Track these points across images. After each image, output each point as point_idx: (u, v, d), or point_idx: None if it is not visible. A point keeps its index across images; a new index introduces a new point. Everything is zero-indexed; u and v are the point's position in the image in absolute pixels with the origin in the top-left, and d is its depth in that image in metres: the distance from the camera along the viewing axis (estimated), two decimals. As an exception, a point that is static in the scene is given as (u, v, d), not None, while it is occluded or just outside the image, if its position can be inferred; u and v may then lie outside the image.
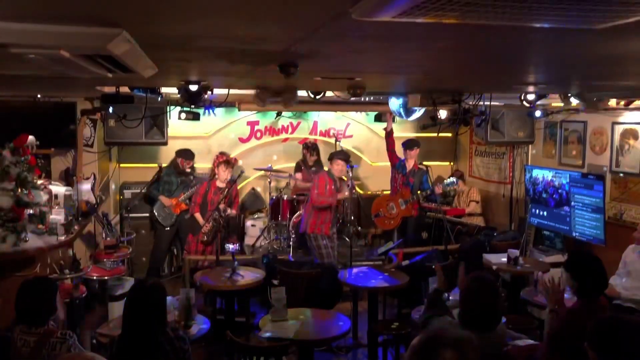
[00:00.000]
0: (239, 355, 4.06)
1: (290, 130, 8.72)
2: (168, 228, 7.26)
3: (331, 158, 6.64)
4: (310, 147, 8.09)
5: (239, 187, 8.17)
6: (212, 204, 6.83)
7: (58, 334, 3.12)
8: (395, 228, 7.44)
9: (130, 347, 3.01)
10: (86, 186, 5.96)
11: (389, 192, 7.76)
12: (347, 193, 6.57)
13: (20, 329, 3.11)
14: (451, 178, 7.53)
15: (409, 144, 7.46)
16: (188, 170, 7.37)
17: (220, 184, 6.92)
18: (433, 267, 5.34)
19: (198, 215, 6.88)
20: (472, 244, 6.86)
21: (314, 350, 4.45)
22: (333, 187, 6.47)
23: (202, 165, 7.86)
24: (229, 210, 6.77)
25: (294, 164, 8.32)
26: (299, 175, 8.03)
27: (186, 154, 7.35)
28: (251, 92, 5.48)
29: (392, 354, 5.04)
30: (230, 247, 5.51)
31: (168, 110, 6.67)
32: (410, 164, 7.42)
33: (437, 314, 3.09)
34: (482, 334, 2.67)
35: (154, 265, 7.36)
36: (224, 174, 6.86)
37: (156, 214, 7.20)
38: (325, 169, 6.85)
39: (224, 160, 6.97)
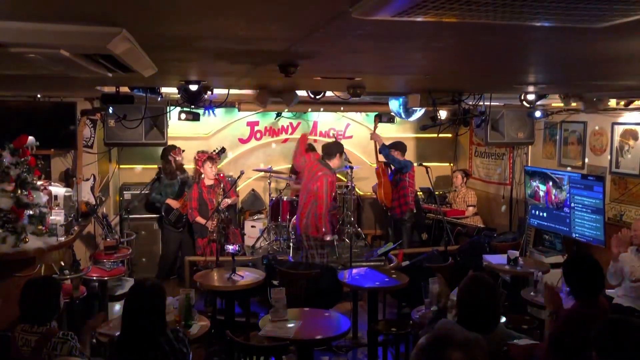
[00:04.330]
0: (239, 354, 4.06)
1: (290, 130, 8.72)
2: (181, 230, 7.24)
3: (339, 151, 6.46)
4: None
5: (238, 188, 8.20)
6: (211, 202, 6.86)
7: (59, 334, 3.13)
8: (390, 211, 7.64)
9: (130, 348, 3.01)
10: (86, 187, 5.98)
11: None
12: None
13: (22, 328, 3.12)
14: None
15: (392, 146, 7.62)
16: (179, 159, 7.29)
17: (208, 181, 6.97)
18: (431, 267, 5.38)
19: (200, 219, 6.90)
20: (472, 244, 6.86)
21: (314, 350, 4.45)
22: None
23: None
24: (228, 201, 6.81)
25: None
26: (292, 181, 8.06)
27: (172, 147, 7.26)
28: (251, 92, 5.48)
29: (392, 353, 5.04)
30: (230, 247, 5.50)
31: (168, 110, 6.67)
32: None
33: None
34: (481, 334, 2.67)
35: (165, 267, 7.34)
36: (210, 171, 6.91)
37: (168, 217, 7.13)
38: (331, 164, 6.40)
39: (208, 157, 7.01)
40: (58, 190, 5.09)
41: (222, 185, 6.89)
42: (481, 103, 5.61)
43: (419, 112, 6.59)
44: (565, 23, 1.58)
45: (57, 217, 4.74)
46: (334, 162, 6.41)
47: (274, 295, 4.46)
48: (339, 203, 7.83)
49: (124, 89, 4.95)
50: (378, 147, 7.61)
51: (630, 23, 1.53)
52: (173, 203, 7.17)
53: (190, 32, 2.04)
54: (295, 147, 7.98)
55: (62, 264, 4.77)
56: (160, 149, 7.41)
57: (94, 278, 5.40)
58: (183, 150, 7.44)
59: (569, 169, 6.90)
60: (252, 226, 7.97)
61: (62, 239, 4.60)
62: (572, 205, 6.26)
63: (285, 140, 8.73)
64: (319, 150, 8.12)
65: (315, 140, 8.64)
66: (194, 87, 4.27)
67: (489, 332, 2.81)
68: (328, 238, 6.46)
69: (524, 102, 5.51)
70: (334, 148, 6.51)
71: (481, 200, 8.29)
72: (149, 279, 5.70)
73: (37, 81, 4.11)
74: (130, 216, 7.37)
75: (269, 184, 8.16)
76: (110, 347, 3.56)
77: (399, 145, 7.66)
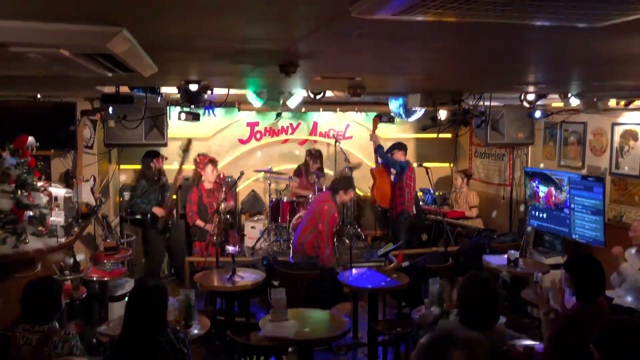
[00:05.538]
0: (238, 354, 4.06)
1: (290, 131, 8.71)
2: (168, 235, 7.14)
3: (344, 187, 6.39)
4: (314, 155, 8.10)
5: (238, 189, 8.20)
6: (211, 206, 6.85)
7: (61, 334, 3.13)
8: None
9: (130, 348, 3.01)
10: (86, 188, 5.97)
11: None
12: None
13: (23, 327, 3.14)
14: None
15: (394, 147, 7.80)
16: (160, 166, 7.10)
17: (208, 185, 6.94)
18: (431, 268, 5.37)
19: (200, 222, 6.88)
20: (472, 245, 6.86)
21: (314, 350, 4.45)
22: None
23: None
24: (227, 205, 6.80)
25: (294, 166, 8.34)
26: (295, 183, 8.05)
27: (156, 153, 7.10)
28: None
29: (392, 353, 5.04)
30: (230, 248, 5.50)
31: (168, 110, 6.66)
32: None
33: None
34: (481, 332, 2.68)
35: (153, 270, 7.26)
36: (212, 175, 6.87)
37: (156, 226, 7.00)
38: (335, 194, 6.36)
39: (209, 160, 6.97)
40: (58, 191, 5.07)
41: (223, 189, 6.86)
42: (481, 103, 5.60)
43: (419, 113, 6.59)
44: (565, 23, 1.58)
45: (57, 218, 4.73)
46: (340, 197, 6.36)
47: (274, 295, 4.46)
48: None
49: (124, 89, 4.95)
50: (374, 148, 7.72)
51: (630, 23, 1.53)
52: (159, 211, 6.99)
53: (191, 32, 2.04)
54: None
55: (62, 264, 4.76)
56: (160, 150, 7.40)
57: (94, 279, 5.40)
58: (166, 158, 7.30)
59: (563, 169, 6.90)
60: (252, 227, 7.96)
61: (62, 240, 4.59)
62: (572, 206, 6.25)
63: (285, 141, 8.73)
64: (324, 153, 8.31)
65: (315, 141, 8.64)
66: (194, 87, 4.27)
67: (489, 329, 2.82)
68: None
69: (524, 102, 5.51)
70: (342, 183, 6.51)
71: (481, 201, 8.28)
72: (152, 279, 5.72)
73: (37, 81, 4.10)
74: (130, 217, 7.37)
75: (269, 184, 8.15)
76: (111, 346, 3.55)
77: (402, 146, 7.69)
